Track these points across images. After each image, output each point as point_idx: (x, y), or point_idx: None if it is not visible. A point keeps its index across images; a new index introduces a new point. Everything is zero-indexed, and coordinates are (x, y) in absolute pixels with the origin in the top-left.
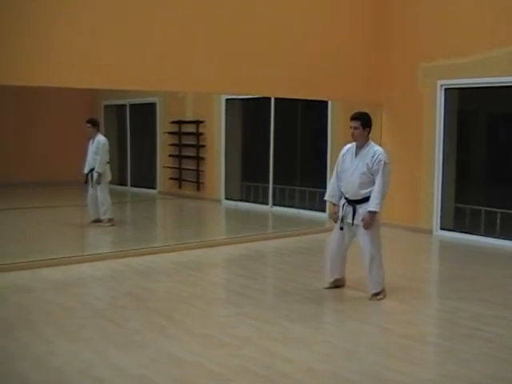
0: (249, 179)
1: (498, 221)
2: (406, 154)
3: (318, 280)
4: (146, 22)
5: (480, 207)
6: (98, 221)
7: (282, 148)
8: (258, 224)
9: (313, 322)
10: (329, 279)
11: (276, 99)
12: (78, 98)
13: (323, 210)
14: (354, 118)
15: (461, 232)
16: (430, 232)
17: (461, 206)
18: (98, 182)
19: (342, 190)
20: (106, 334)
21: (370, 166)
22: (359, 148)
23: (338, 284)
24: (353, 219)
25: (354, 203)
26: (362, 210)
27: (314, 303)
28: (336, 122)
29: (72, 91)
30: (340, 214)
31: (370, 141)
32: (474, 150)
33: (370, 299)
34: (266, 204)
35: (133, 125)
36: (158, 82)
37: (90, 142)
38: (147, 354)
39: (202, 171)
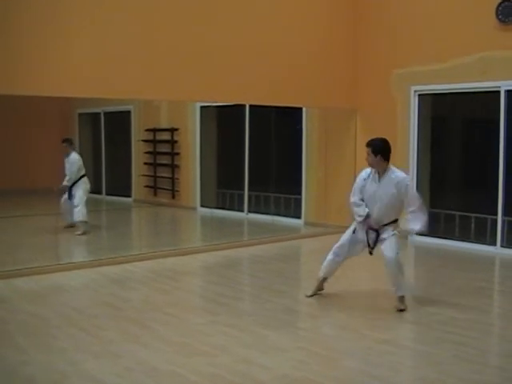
0: (224, 186)
1: (473, 225)
2: None
3: (294, 287)
4: (121, 31)
5: (454, 212)
6: (72, 226)
7: (257, 155)
8: (233, 231)
9: (288, 329)
10: (319, 276)
11: (251, 106)
12: (51, 106)
13: (298, 217)
14: (366, 144)
15: (435, 237)
16: (405, 237)
17: (435, 210)
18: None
19: None
20: (81, 343)
21: (397, 194)
22: (380, 174)
23: (320, 287)
24: (375, 244)
25: (377, 229)
26: (386, 234)
27: (289, 310)
28: (311, 129)
29: (46, 100)
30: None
31: (390, 166)
32: (448, 155)
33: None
34: (242, 211)
35: (107, 133)
36: (134, 90)
37: (66, 159)
38: (122, 364)
39: (177, 179)
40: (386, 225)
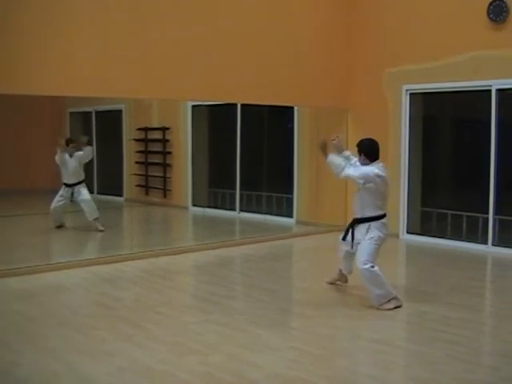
0: (216, 185)
1: (464, 224)
2: None
3: (286, 286)
4: (111, 30)
5: (446, 211)
6: (61, 226)
7: (249, 154)
8: (225, 230)
9: (281, 328)
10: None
11: (242, 105)
12: (42, 105)
13: (290, 216)
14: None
15: (427, 236)
16: (397, 236)
17: (427, 209)
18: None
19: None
20: (73, 343)
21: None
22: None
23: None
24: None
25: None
26: (360, 235)
27: (282, 309)
28: (302, 128)
29: (37, 98)
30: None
31: (374, 163)
32: (440, 154)
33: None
34: (234, 210)
35: (99, 132)
36: (125, 89)
37: (66, 156)
38: (114, 363)
39: (169, 178)
40: (361, 222)
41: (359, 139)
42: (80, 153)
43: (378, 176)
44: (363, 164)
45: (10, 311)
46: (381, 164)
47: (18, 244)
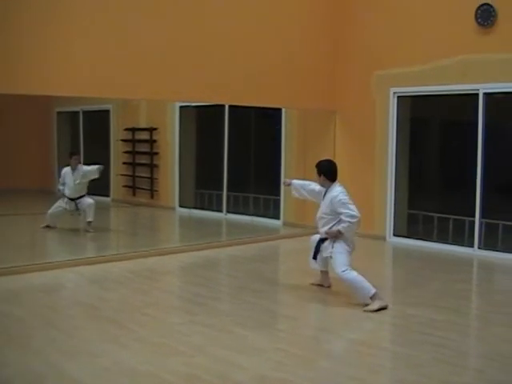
0: (203, 187)
1: (451, 227)
2: (359, 160)
3: (272, 287)
4: (100, 31)
5: (433, 214)
6: (49, 226)
7: (236, 155)
8: (212, 231)
9: (267, 330)
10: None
11: (230, 106)
12: (29, 104)
13: (277, 218)
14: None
15: (414, 238)
16: (384, 238)
17: (414, 212)
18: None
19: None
20: (58, 343)
21: (332, 208)
22: (325, 193)
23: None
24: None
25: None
26: (327, 250)
27: (267, 311)
28: (290, 130)
29: (23, 98)
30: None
31: (334, 184)
32: (427, 157)
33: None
34: (220, 211)
35: (86, 132)
36: (112, 89)
37: (69, 170)
38: (99, 364)
39: (156, 179)
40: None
41: (318, 161)
42: (86, 168)
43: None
44: (322, 185)
45: None
46: (341, 186)
47: (4, 244)
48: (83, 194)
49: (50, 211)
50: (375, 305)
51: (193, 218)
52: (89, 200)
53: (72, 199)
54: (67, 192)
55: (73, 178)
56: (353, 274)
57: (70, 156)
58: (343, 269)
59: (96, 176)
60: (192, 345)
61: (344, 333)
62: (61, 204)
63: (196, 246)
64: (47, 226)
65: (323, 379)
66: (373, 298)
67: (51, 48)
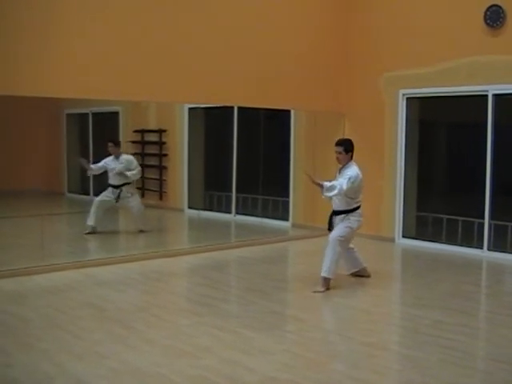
0: (212, 188)
1: (460, 229)
2: (368, 162)
3: (280, 289)
4: (108, 32)
5: (442, 215)
6: (92, 233)
7: (245, 157)
8: (221, 233)
9: (274, 331)
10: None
11: (239, 108)
12: (39, 106)
13: (286, 219)
14: (338, 144)
15: (423, 240)
16: (393, 240)
17: (423, 214)
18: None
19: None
20: (65, 345)
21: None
22: (342, 168)
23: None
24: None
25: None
26: (338, 220)
27: (275, 312)
28: (298, 131)
29: (33, 100)
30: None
31: (352, 162)
32: (436, 158)
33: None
34: (229, 213)
35: (95, 134)
36: (122, 91)
37: (112, 159)
38: (107, 365)
39: (165, 180)
40: (338, 214)
41: (341, 139)
42: (130, 158)
43: (359, 175)
44: (342, 162)
45: (1, 312)
46: (357, 166)
47: (12, 245)
48: (127, 181)
49: (96, 199)
50: (323, 287)
51: (202, 220)
52: (138, 204)
53: (115, 186)
54: (110, 179)
55: (113, 166)
56: (340, 249)
57: (115, 144)
58: (341, 236)
59: (136, 174)
60: (200, 346)
61: (351, 334)
62: (106, 193)
63: (205, 248)
64: (90, 233)
65: (331, 381)
66: (326, 280)
67: (58, 50)
